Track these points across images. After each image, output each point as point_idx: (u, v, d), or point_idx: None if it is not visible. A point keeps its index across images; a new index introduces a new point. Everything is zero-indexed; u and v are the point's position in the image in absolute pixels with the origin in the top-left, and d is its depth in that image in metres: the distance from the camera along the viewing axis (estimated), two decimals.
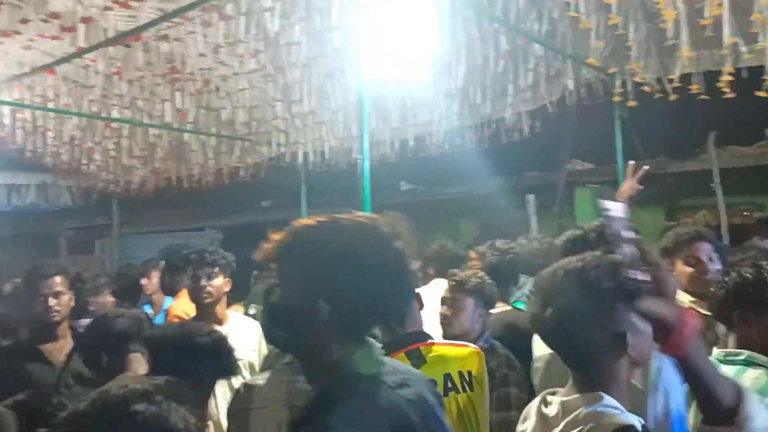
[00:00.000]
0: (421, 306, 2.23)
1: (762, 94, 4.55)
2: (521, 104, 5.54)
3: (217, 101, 5.90)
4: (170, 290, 4.64)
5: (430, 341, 2.10)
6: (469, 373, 2.08)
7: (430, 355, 2.05)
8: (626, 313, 1.31)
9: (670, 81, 4.97)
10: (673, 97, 4.94)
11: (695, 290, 2.94)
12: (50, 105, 5.95)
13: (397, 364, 1.36)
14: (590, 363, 1.32)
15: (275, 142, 6.86)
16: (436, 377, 2.01)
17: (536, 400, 1.42)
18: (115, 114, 6.18)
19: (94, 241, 11.67)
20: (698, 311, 2.88)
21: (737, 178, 6.71)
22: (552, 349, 1.46)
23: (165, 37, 4.66)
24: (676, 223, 7.63)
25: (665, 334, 0.96)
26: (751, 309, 1.85)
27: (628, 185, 2.95)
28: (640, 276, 0.95)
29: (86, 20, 4.15)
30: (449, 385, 2.06)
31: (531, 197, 5.33)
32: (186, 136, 6.87)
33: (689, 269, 2.99)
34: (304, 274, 1.17)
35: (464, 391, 2.05)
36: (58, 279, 3.15)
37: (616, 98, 5.28)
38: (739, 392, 0.98)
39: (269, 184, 8.62)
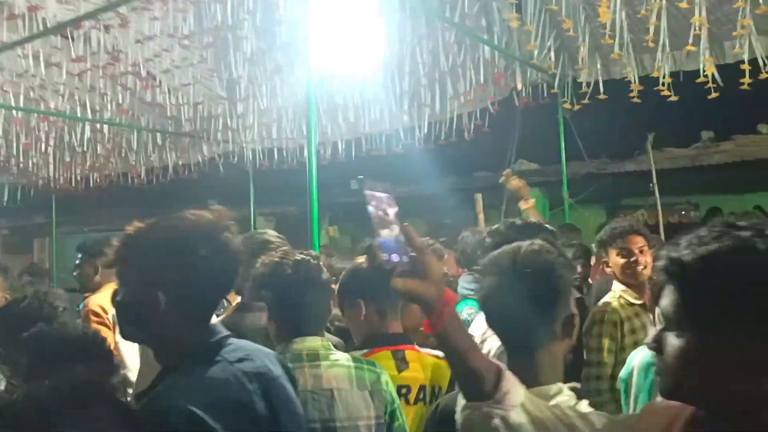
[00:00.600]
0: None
1: (713, 96, 4.75)
2: (469, 104, 5.60)
3: (161, 96, 5.75)
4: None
5: (412, 346, 2.08)
6: (440, 388, 2.06)
7: (413, 361, 2.04)
8: (572, 298, 1.35)
9: (611, 83, 5.14)
10: (603, 97, 5.11)
11: (626, 280, 3.13)
12: None
13: (246, 344, 1.47)
14: (534, 351, 1.31)
15: (222, 140, 6.74)
16: (412, 385, 2.01)
17: None
18: (52, 107, 5.95)
19: (32, 241, 11.22)
20: (628, 300, 3.04)
21: (674, 179, 6.98)
22: (497, 332, 1.43)
23: (106, 29, 4.51)
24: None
25: (427, 312, 1.00)
26: None
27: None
28: (403, 258, 0.99)
29: (33, 8, 3.97)
30: (421, 395, 2.04)
31: (479, 196, 5.39)
32: (129, 131, 6.68)
33: (621, 260, 3.14)
34: (141, 272, 1.33)
35: (430, 404, 2.01)
36: None
37: (566, 104, 5.41)
38: (498, 371, 1.03)
39: (217, 183, 8.47)
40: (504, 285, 1.34)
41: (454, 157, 7.00)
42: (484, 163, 7.87)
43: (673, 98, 4.74)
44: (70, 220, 10.41)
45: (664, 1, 4.25)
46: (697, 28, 4.30)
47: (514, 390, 1.05)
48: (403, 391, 2.00)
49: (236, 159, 7.05)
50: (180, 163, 7.27)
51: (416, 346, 2.09)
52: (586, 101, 5.20)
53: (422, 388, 2.02)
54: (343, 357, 1.82)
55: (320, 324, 1.86)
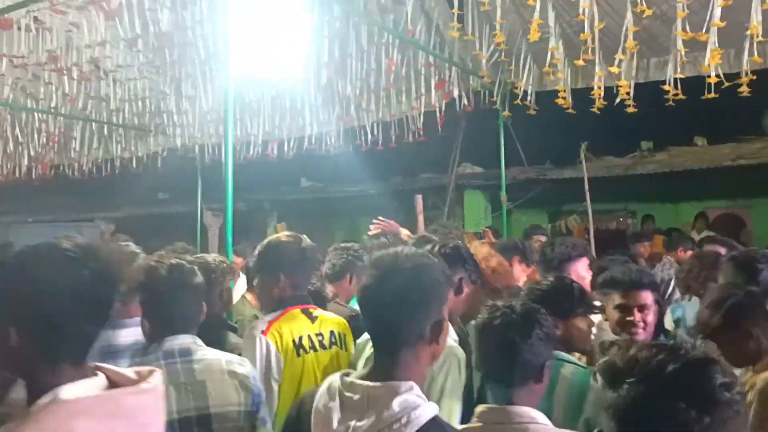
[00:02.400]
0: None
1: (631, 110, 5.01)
2: (413, 109, 5.75)
3: (107, 89, 5.72)
4: None
5: (316, 306, 2.51)
6: (345, 335, 2.49)
7: (320, 316, 2.45)
8: (444, 304, 1.44)
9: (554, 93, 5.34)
10: (532, 111, 5.34)
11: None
12: None
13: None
14: (400, 348, 1.36)
15: (170, 135, 6.74)
16: (324, 332, 2.43)
17: (333, 379, 1.42)
18: None
19: None
20: None
21: (611, 187, 7.27)
22: (367, 327, 1.48)
23: (36, 20, 4.50)
24: (560, 223, 8.19)
25: None
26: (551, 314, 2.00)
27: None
28: None
29: None
30: (333, 339, 2.44)
31: (419, 197, 5.53)
32: (75, 123, 6.61)
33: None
34: None
35: (342, 348, 2.47)
36: None
37: (506, 112, 5.60)
38: None
39: (167, 177, 8.43)
40: (379, 282, 1.39)
41: (402, 159, 7.15)
42: (429, 165, 8.06)
43: (631, 108, 4.95)
44: (14, 210, 10.19)
45: (598, 24, 4.48)
46: (626, 50, 4.57)
47: None
48: (319, 338, 2.40)
49: (183, 153, 7.04)
50: (126, 156, 7.22)
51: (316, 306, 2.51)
52: (532, 111, 5.40)
53: (332, 333, 2.44)
54: (213, 352, 1.99)
55: (192, 323, 1.99)
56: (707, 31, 4.25)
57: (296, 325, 2.36)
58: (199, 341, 1.97)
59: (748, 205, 7.58)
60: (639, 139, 8.21)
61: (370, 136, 6.17)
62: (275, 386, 2.26)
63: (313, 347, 2.37)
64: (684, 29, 4.33)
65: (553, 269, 2.85)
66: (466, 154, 7.57)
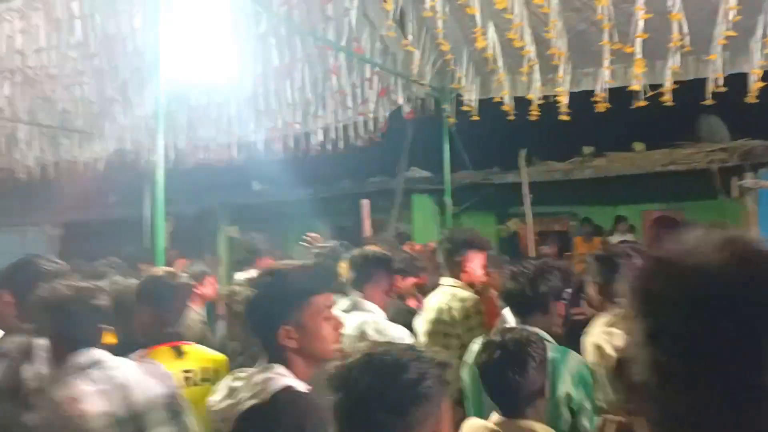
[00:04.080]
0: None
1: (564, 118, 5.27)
2: (360, 115, 5.88)
3: (50, 92, 5.69)
4: None
5: (186, 342, 2.46)
6: (217, 371, 2.42)
7: (188, 352, 2.41)
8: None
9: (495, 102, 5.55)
10: (476, 118, 5.55)
11: None
12: None
13: None
14: (270, 336, 1.60)
15: (117, 139, 6.71)
16: (194, 367, 2.38)
17: (227, 378, 1.69)
18: None
19: None
20: None
21: (554, 190, 7.55)
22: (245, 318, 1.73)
23: None
24: (505, 226, 8.45)
25: None
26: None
27: None
28: None
29: None
30: (206, 375, 2.39)
31: (365, 202, 5.68)
32: (19, 126, 6.53)
33: None
34: None
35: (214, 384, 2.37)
36: None
37: (451, 118, 5.80)
38: None
39: (115, 181, 8.34)
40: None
41: (348, 163, 7.28)
42: (378, 169, 8.21)
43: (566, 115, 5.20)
44: None
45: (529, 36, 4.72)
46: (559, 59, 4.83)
47: None
48: (189, 374, 2.35)
49: (132, 158, 7.01)
50: (71, 159, 7.15)
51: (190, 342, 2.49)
52: (475, 117, 5.59)
53: (204, 369, 2.40)
54: (122, 362, 2.05)
55: (95, 340, 2.03)
56: (633, 44, 4.56)
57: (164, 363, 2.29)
58: (108, 353, 2.05)
59: (681, 207, 7.96)
60: (582, 144, 8.54)
61: (319, 140, 6.28)
62: None
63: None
64: (612, 40, 4.62)
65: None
66: (415, 159, 7.74)
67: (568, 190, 7.98)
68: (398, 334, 2.55)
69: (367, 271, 2.73)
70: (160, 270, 2.56)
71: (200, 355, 2.46)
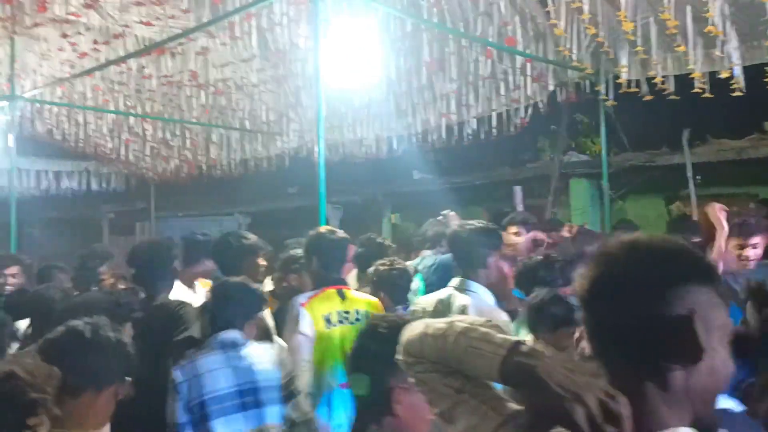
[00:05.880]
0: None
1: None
2: (513, 101, 5.99)
3: (239, 101, 6.58)
4: None
5: (348, 287, 3.02)
6: (368, 312, 2.86)
7: (349, 296, 2.91)
8: None
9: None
10: (647, 97, 5.36)
11: None
12: (89, 103, 6.76)
13: None
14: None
15: (294, 137, 7.51)
16: (350, 309, 2.88)
17: None
18: (148, 110, 6.94)
19: (134, 224, 12.54)
20: None
21: (726, 170, 7.03)
22: None
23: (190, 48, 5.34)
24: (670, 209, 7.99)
25: None
26: None
27: None
28: None
29: (117, 35, 4.83)
30: (357, 317, 2.85)
31: (518, 188, 5.83)
32: (212, 129, 7.62)
33: None
34: None
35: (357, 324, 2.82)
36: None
37: (609, 102, 5.69)
38: None
39: (294, 174, 9.28)
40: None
41: (504, 149, 7.40)
42: (535, 155, 8.22)
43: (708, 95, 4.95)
44: (166, 206, 11.60)
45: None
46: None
47: None
48: (345, 315, 2.84)
49: (305, 153, 7.77)
50: (257, 156, 8.11)
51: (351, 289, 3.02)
52: (648, 96, 5.40)
53: (357, 311, 2.88)
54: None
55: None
56: None
57: (329, 303, 2.84)
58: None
59: None
60: (762, 120, 7.81)
61: (473, 129, 6.49)
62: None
63: (341, 322, 2.83)
64: None
65: None
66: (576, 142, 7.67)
67: (744, 168, 7.38)
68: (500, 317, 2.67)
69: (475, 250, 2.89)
70: (324, 228, 3.09)
71: (358, 299, 2.94)
